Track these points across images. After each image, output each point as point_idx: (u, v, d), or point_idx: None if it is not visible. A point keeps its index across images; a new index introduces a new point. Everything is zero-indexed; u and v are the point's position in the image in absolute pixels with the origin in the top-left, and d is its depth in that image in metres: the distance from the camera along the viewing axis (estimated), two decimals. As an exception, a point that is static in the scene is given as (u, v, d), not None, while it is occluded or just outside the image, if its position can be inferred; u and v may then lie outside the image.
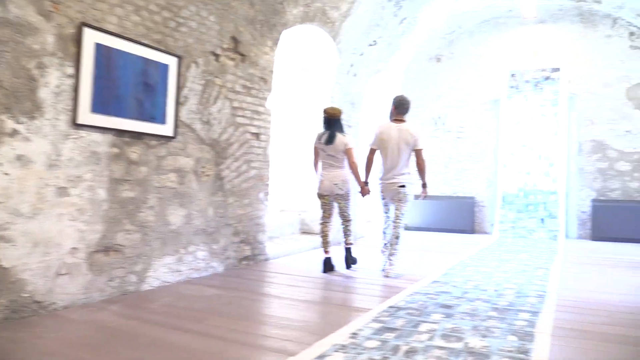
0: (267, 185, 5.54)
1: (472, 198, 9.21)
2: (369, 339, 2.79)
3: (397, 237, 4.78)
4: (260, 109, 5.38)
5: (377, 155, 4.97)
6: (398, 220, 4.82)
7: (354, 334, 2.87)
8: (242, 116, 5.10)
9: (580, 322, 3.22)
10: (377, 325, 3.04)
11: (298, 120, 7.28)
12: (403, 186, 4.79)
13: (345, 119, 6.44)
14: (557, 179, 8.46)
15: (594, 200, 8.25)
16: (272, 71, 5.54)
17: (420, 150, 4.80)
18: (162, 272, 4.14)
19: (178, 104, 4.28)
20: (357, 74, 7.51)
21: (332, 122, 4.95)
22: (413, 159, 4.92)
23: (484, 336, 2.88)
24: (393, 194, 4.81)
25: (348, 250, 5.10)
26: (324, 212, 5.08)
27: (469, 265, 5.42)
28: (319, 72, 6.99)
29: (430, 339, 2.81)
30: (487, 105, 9.23)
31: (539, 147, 8.63)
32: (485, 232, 9.08)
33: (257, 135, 5.34)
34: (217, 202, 4.77)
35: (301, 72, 7.09)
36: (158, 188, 4.11)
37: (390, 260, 4.76)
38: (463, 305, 3.58)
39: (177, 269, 4.30)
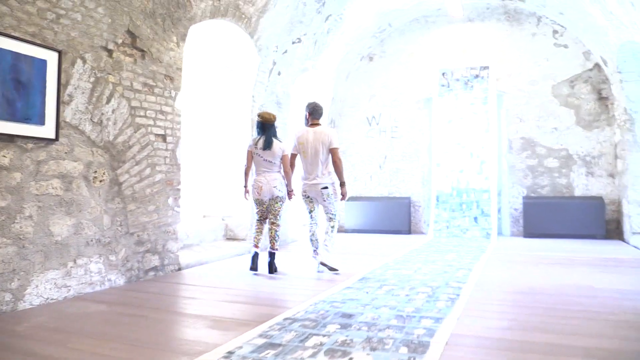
0: (178, 190, 5.20)
1: (407, 198, 9.13)
2: (244, 358, 2.52)
3: (332, 227, 5.11)
4: (166, 108, 5.03)
5: (297, 160, 5.18)
6: (331, 221, 5.11)
7: (230, 352, 2.59)
8: (144, 116, 4.74)
9: (483, 329, 3.06)
10: (261, 342, 2.77)
11: (221, 121, 6.95)
12: (326, 187, 4.96)
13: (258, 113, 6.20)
14: (489, 176, 8.49)
15: (525, 197, 8.31)
16: (180, 69, 5.21)
17: (335, 149, 4.96)
18: (45, 289, 3.73)
19: (60, 103, 3.88)
20: (282, 73, 7.26)
21: (267, 127, 5.01)
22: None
23: (373, 349, 2.66)
24: (317, 195, 5.00)
25: (272, 255, 5.08)
26: (260, 217, 5.15)
27: (391, 268, 5.25)
28: (240, 71, 6.69)
29: (314, 355, 2.57)
30: (420, 104, 9.18)
31: (471, 145, 8.64)
32: (422, 232, 9.02)
33: (162, 137, 4.99)
34: (115, 210, 4.39)
35: (222, 71, 6.77)
36: (37, 196, 3.71)
37: (327, 248, 5.10)
38: (366, 314, 3.37)
39: (65, 284, 3.90)
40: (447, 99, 8.85)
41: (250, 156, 5.03)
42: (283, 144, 5.07)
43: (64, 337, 2.87)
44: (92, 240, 4.16)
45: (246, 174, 5.13)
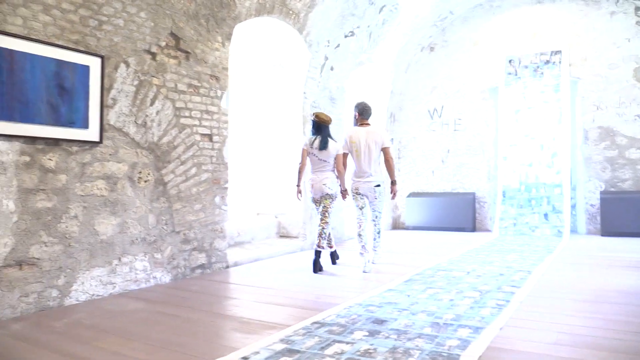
0: (225, 188, 5.24)
1: (472, 194, 8.66)
2: (256, 365, 2.44)
3: (378, 232, 5.20)
4: (212, 108, 5.09)
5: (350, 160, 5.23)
6: (377, 219, 5.15)
7: (244, 358, 2.53)
8: (189, 117, 4.82)
9: (525, 342, 2.77)
10: (280, 347, 2.68)
11: (273, 119, 6.95)
12: (379, 185, 5.03)
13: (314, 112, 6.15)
14: (562, 170, 7.82)
15: (603, 192, 7.58)
16: (225, 68, 5.24)
17: (387, 148, 5.08)
18: (90, 285, 3.90)
19: (104, 107, 4.02)
20: (335, 68, 7.12)
21: (322, 127, 5.11)
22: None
23: (394, 360, 2.48)
24: (369, 192, 5.04)
25: (318, 254, 5.06)
26: (319, 214, 5.17)
27: (443, 268, 4.98)
28: (290, 68, 6.64)
29: (329, 364, 2.44)
30: (485, 94, 8.65)
31: (542, 136, 8.01)
32: (488, 230, 8.52)
33: (209, 137, 5.05)
34: (160, 209, 4.50)
35: (273, 68, 6.77)
36: (82, 197, 3.87)
37: (376, 252, 5.23)
38: (400, 320, 3.17)
39: (110, 281, 4.05)
40: (514, 88, 8.26)
41: (305, 155, 5.11)
42: (337, 144, 5.15)
43: (93, 334, 2.96)
44: (137, 239, 4.29)
45: (300, 172, 5.18)
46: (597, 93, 7.71)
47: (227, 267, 5.25)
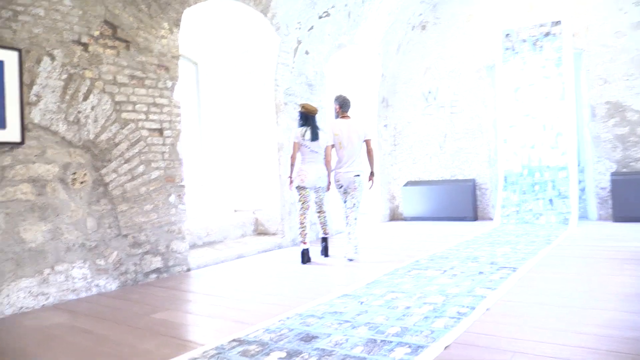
0: (182, 186, 4.88)
1: (472, 180, 8.09)
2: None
3: (355, 219, 5.15)
4: (161, 100, 4.71)
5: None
6: (354, 208, 5.15)
7: (121, 392, 2.15)
8: (132, 111, 4.46)
9: (462, 360, 2.30)
10: (172, 375, 2.30)
11: (244, 110, 6.54)
12: (358, 175, 5.11)
13: (303, 102, 5.86)
14: (567, 151, 7.18)
15: (614, 174, 6.92)
16: (176, 57, 4.85)
17: (369, 140, 5.23)
18: (18, 298, 3.60)
19: (24, 104, 3.69)
20: (310, 52, 6.65)
21: (310, 118, 5.16)
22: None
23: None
24: (349, 183, 5.11)
25: (326, 240, 5.38)
26: (303, 204, 5.17)
27: (418, 267, 4.51)
28: (259, 54, 6.21)
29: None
30: (482, 73, 8.03)
31: (544, 115, 7.37)
32: (490, 218, 7.95)
33: (159, 131, 4.68)
34: (101, 212, 4.17)
35: (241, 56, 6.35)
36: (3, 202, 3.56)
37: (352, 244, 5.10)
38: (333, 336, 2.74)
39: (42, 292, 3.74)
40: (512, 64, 7.62)
41: (297, 147, 5.12)
42: (326, 135, 5.22)
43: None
44: (74, 245, 3.96)
45: (292, 164, 5.18)
46: (603, 65, 7.02)
47: (189, 270, 4.90)
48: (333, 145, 5.18)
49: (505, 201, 7.52)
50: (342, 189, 5.17)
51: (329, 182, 5.25)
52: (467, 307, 3.15)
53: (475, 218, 8.03)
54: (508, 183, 7.58)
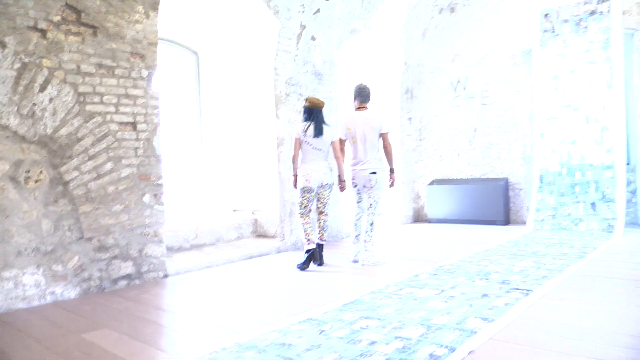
0: (159, 185, 4.48)
1: (504, 180, 7.26)
2: None
3: (371, 224, 4.75)
4: (135, 91, 4.31)
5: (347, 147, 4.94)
6: (372, 208, 4.76)
7: None
8: (99, 103, 4.07)
9: None
10: None
11: (243, 103, 6.07)
12: (374, 172, 4.70)
13: (308, 95, 5.43)
14: (614, 147, 6.23)
15: (671, 175, 5.94)
16: (153, 44, 4.44)
17: (386, 133, 4.77)
18: (-43, 308, 3.31)
19: (-34, 95, 3.38)
20: (317, 38, 6.08)
21: (315, 112, 4.73)
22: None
23: None
24: (365, 181, 4.74)
25: (321, 247, 4.85)
26: (304, 207, 4.79)
27: (411, 284, 3.88)
28: (257, 41, 5.71)
29: None
30: (516, 59, 7.16)
31: (587, 106, 6.44)
32: (523, 222, 7.11)
33: (131, 125, 4.29)
34: (60, 213, 3.82)
35: (240, 43, 5.87)
36: (-59, 204, 3.27)
37: (366, 247, 4.72)
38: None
39: (-14, 302, 3.43)
40: (551, 48, 6.72)
41: (298, 144, 4.72)
42: (332, 130, 4.83)
43: None
44: (25, 249, 3.63)
45: (294, 162, 4.80)
46: (660, 47, 6.02)
47: (166, 276, 4.50)
48: (344, 140, 4.86)
49: (540, 204, 6.66)
50: (356, 188, 4.86)
51: (342, 180, 4.85)
52: (446, 347, 2.51)
53: (506, 222, 7.22)
54: (544, 183, 6.71)
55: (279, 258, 5.33)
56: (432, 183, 7.90)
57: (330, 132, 4.76)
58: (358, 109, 4.82)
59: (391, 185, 4.90)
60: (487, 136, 7.45)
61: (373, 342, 2.61)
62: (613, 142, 6.23)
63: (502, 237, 6.00)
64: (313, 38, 6.02)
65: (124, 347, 2.69)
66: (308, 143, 4.67)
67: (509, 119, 7.23)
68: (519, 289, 3.59)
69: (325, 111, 6.02)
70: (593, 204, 6.27)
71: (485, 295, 3.47)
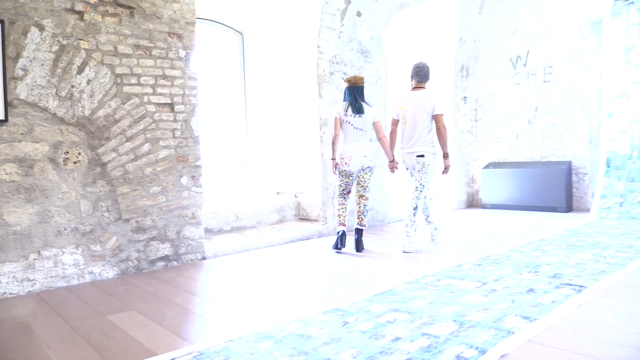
0: (197, 167, 4.47)
1: (567, 163, 6.72)
2: None
3: (415, 208, 4.56)
4: (172, 72, 4.29)
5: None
6: (416, 192, 4.57)
7: None
8: (137, 84, 4.08)
9: None
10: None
11: (287, 84, 5.94)
12: (422, 155, 4.51)
13: (353, 74, 5.26)
14: (696, 129, 5.56)
15: None
16: (191, 23, 4.38)
17: (439, 115, 4.50)
18: (1, 283, 3.45)
19: (7, 79, 3.46)
20: (363, 13, 5.80)
21: (356, 90, 4.56)
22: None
23: None
24: (413, 164, 4.58)
25: (360, 232, 4.67)
26: (342, 190, 4.73)
27: (457, 275, 3.64)
28: (302, 18, 5.53)
29: None
30: (584, 31, 6.52)
31: (666, 83, 5.77)
32: (588, 210, 6.57)
33: (169, 106, 4.28)
34: (98, 194, 3.89)
35: (287, 23, 5.71)
36: (-15, 184, 3.40)
37: (408, 233, 4.54)
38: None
39: (27, 278, 3.56)
40: (625, 19, 6.05)
41: (339, 124, 4.58)
42: (374, 110, 4.63)
43: None
44: (65, 229, 3.73)
45: (334, 143, 4.67)
46: None
47: (204, 258, 4.51)
48: (396, 120, 4.68)
49: (607, 190, 6.10)
50: (408, 171, 4.70)
51: (392, 161, 4.71)
52: (476, 348, 2.29)
53: (569, 209, 6.70)
54: (611, 167, 6.13)
55: (320, 242, 5.22)
56: (487, 166, 7.46)
57: (372, 111, 4.57)
58: (414, 88, 4.61)
59: (444, 171, 4.67)
60: (549, 116, 6.90)
61: (397, 339, 2.43)
62: (695, 122, 5.55)
63: (561, 226, 5.56)
64: (359, 14, 5.76)
65: (144, 331, 2.68)
66: (349, 122, 4.53)
67: (574, 97, 6.64)
68: (571, 285, 3.26)
69: (370, 90, 5.83)
70: (668, 191, 5.65)
71: (531, 290, 3.18)
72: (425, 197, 4.63)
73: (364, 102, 4.57)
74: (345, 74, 5.73)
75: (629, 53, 6.05)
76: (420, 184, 4.53)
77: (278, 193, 6.19)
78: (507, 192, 7.15)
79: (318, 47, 5.49)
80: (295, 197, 5.96)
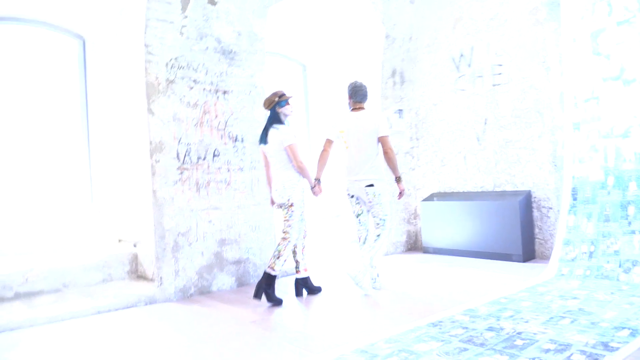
0: None
1: (524, 194, 4.95)
2: None
3: (378, 235, 4.06)
4: None
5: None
6: (379, 227, 4.05)
7: None
8: None
9: None
10: None
11: (119, 98, 4.53)
12: (371, 185, 4.02)
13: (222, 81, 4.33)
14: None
15: None
16: None
17: (385, 137, 4.04)
18: None
19: None
20: (220, 1, 4.36)
21: (269, 114, 3.99)
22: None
23: None
24: (361, 195, 4.09)
25: (270, 279, 3.79)
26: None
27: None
28: (129, 11, 4.12)
29: None
30: (539, 14, 4.83)
31: (648, 77, 4.00)
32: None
33: None
34: None
35: (117, 18, 4.32)
36: None
37: (371, 271, 4.09)
38: None
39: None
40: (587, -9, 4.35)
41: (264, 155, 4.09)
42: (282, 132, 3.89)
43: None
44: None
45: (267, 177, 4.15)
46: None
47: None
48: (331, 141, 4.10)
49: (572, 233, 4.30)
50: (354, 198, 4.14)
51: (315, 185, 3.99)
52: None
53: (528, 256, 4.91)
54: (579, 201, 4.34)
55: (146, 313, 3.69)
56: (429, 198, 5.75)
57: (278, 136, 3.87)
58: (354, 109, 4.15)
59: (400, 196, 4.15)
60: (501, 131, 5.18)
61: None
62: (693, 132, 3.74)
63: (507, 284, 3.86)
64: (212, 2, 4.31)
65: None
66: (264, 152, 4.04)
67: (531, 104, 4.91)
68: None
69: (243, 102, 4.48)
70: (657, 236, 3.82)
71: None
72: (389, 229, 4.07)
73: (272, 126, 3.93)
74: (195, 81, 4.27)
75: (596, 39, 4.32)
76: (381, 219, 4.04)
77: (120, 241, 4.71)
78: (452, 232, 5.42)
79: (146, 46, 4.04)
80: (135, 246, 4.46)
